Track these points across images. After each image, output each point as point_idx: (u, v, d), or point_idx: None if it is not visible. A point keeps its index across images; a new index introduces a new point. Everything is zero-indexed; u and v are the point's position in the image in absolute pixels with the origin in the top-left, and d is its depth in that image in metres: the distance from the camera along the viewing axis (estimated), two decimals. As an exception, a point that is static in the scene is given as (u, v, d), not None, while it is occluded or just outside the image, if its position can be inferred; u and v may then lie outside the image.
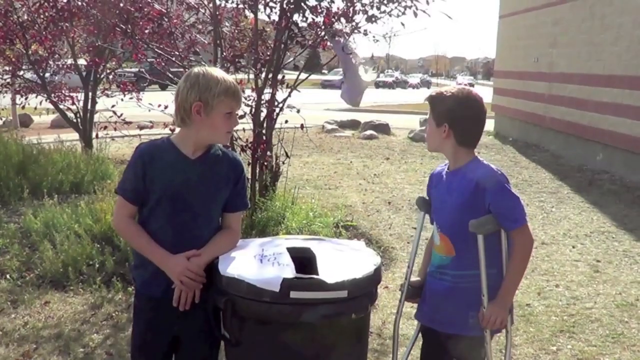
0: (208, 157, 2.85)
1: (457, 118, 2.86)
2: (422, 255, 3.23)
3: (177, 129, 2.95)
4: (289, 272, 2.54)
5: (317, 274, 2.57)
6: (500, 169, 2.87)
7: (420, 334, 3.19)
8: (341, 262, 2.75)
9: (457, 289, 2.88)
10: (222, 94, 2.73)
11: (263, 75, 6.73)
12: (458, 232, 2.84)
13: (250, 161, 6.71)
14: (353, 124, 18.83)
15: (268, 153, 6.71)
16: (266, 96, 6.62)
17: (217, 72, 2.80)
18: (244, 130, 6.70)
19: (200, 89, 2.71)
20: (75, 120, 10.53)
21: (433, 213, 3.04)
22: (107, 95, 10.55)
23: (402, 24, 6.97)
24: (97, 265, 5.48)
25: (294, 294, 2.47)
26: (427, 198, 3.13)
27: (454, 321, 2.90)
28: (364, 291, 2.64)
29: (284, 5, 6.56)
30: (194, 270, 2.70)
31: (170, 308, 2.75)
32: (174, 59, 7.05)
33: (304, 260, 2.74)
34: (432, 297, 2.99)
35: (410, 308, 3.32)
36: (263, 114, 6.69)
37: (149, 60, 7.38)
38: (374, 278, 2.71)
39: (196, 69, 2.81)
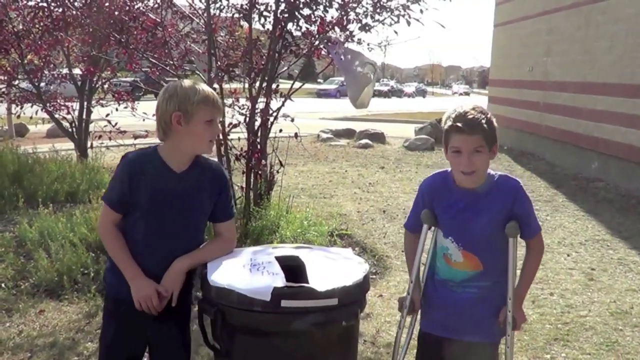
0: (193, 170, 2.88)
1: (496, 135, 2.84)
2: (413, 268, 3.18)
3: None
4: (279, 281, 2.55)
5: (307, 282, 2.58)
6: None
7: (409, 343, 3.19)
8: (331, 270, 2.75)
9: (485, 298, 2.91)
10: (201, 102, 2.76)
11: (257, 84, 6.74)
12: (486, 248, 2.87)
13: (245, 170, 6.72)
14: (348, 133, 18.80)
15: (262, 162, 6.71)
16: (260, 105, 6.62)
17: (195, 83, 2.83)
18: (238, 139, 6.72)
19: (179, 98, 2.74)
20: (70, 130, 10.52)
21: (449, 232, 2.92)
22: (102, 105, 10.54)
23: (396, 32, 6.99)
24: (91, 274, 5.48)
25: (284, 303, 2.48)
26: (433, 213, 2.99)
27: (480, 329, 2.91)
28: (353, 298, 2.65)
29: (278, 15, 6.57)
30: (153, 302, 2.74)
31: (142, 312, 2.77)
32: (168, 68, 7.06)
33: (293, 269, 2.75)
34: (453, 307, 2.94)
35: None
36: (257, 123, 6.69)
37: (143, 69, 7.40)
38: (364, 285, 2.72)
39: (174, 82, 2.86)
